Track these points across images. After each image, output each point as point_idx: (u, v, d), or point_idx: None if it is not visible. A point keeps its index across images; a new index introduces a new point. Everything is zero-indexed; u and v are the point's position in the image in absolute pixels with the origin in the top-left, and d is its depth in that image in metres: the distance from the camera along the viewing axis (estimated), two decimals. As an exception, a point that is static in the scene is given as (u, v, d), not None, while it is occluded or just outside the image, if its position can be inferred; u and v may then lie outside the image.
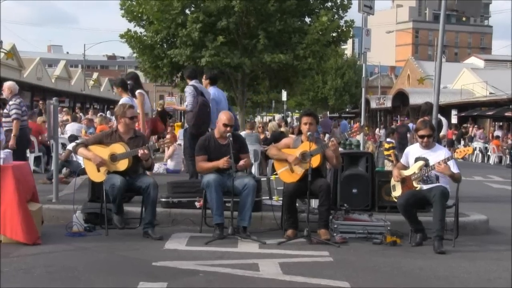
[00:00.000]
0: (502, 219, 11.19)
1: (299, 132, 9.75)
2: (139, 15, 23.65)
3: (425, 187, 8.70)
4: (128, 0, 24.02)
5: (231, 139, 8.90)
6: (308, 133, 8.90)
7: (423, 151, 8.88)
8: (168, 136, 12.67)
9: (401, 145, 16.00)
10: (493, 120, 45.75)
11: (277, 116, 20.87)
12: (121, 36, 24.18)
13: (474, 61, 76.84)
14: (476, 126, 41.79)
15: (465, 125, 42.90)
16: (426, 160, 8.75)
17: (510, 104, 39.76)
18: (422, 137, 8.85)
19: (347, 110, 73.16)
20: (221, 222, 8.67)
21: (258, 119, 65.79)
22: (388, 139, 16.63)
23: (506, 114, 39.30)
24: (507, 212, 11.94)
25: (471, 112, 47.55)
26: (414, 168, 8.83)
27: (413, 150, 9.06)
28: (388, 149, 16.27)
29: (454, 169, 8.62)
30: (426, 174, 8.67)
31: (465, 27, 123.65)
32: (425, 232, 8.72)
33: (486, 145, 34.51)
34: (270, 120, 34.75)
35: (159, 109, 27.98)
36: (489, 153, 33.33)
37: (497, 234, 9.97)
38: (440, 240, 8.35)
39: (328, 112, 48.46)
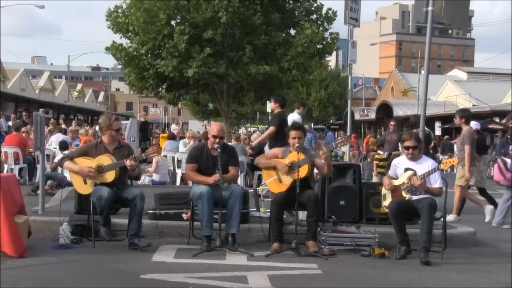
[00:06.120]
0: (489, 231, 11.23)
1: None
2: (125, 26, 23.64)
3: (414, 197, 8.70)
4: (114, 12, 24.03)
5: (219, 151, 8.87)
6: (296, 145, 8.89)
7: (409, 163, 8.87)
8: (153, 147, 12.57)
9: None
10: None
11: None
12: (107, 49, 24.10)
13: (457, 73, 77.42)
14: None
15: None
16: (414, 171, 8.74)
17: (493, 116, 40.04)
18: (407, 148, 8.86)
19: (331, 121, 73.30)
20: (210, 234, 8.63)
21: (242, 130, 65.63)
22: (379, 151, 16.42)
23: (490, 126, 39.55)
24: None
25: (455, 124, 47.66)
26: (403, 177, 8.79)
27: (401, 162, 9.06)
28: (380, 162, 15.89)
29: (437, 184, 8.65)
30: (414, 185, 8.65)
31: (448, 40, 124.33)
32: (409, 245, 8.65)
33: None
34: (254, 131, 34.73)
35: (142, 119, 28.31)
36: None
37: (484, 246, 9.95)
38: (427, 252, 8.34)
39: (312, 124, 48.40)
